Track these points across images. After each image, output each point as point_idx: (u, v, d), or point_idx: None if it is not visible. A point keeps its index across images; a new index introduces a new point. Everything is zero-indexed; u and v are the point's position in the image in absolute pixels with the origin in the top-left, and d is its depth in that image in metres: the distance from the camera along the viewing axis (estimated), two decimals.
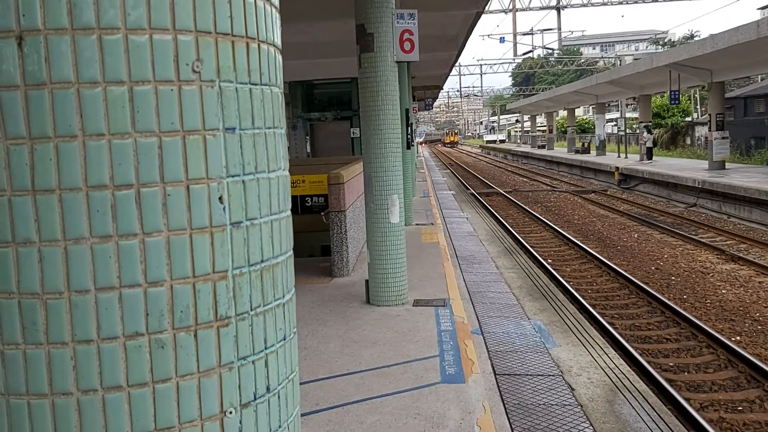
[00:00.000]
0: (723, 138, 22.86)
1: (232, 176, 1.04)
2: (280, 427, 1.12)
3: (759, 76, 37.51)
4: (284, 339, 1.14)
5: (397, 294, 7.20)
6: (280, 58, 1.18)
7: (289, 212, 1.18)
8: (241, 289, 1.05)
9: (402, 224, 7.31)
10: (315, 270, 9.14)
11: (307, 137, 18.59)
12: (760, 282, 10.92)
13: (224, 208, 1.03)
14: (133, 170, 0.96)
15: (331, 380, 5.08)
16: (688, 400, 6.26)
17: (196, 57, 1.00)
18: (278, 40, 1.17)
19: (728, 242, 14.50)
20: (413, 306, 7.14)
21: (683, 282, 11.18)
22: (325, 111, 18.60)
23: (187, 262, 0.99)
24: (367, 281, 7.40)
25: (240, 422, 1.05)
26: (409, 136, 13.62)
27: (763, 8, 53.30)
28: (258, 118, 1.09)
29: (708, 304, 9.81)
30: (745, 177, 19.29)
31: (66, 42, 0.94)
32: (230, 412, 1.04)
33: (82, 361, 0.97)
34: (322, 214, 9.11)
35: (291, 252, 1.19)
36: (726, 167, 22.86)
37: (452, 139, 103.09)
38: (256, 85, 1.08)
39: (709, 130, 23.55)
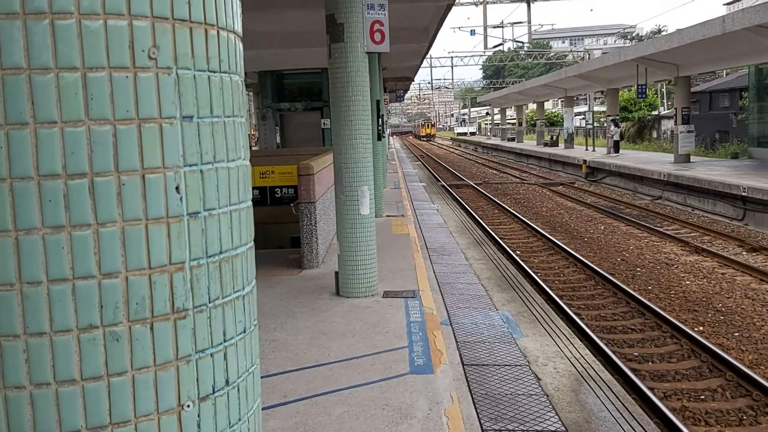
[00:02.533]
0: (688, 132, 23.26)
1: (190, 165, 1.02)
2: (240, 420, 1.10)
3: (724, 71, 38.21)
4: (244, 331, 1.12)
5: (367, 285, 7.20)
6: (240, 45, 1.16)
7: (249, 203, 1.16)
8: (198, 281, 1.03)
9: (372, 216, 7.31)
10: (284, 261, 9.10)
11: (277, 127, 18.45)
12: (722, 273, 11.15)
13: (181, 198, 1.01)
14: (86, 159, 0.94)
15: (300, 372, 5.06)
16: (652, 389, 6.37)
17: (152, 43, 0.98)
18: (238, 28, 1.15)
19: (692, 234, 14.78)
20: (383, 297, 7.15)
21: (648, 273, 11.37)
22: (295, 101, 18.48)
23: (143, 253, 0.97)
24: (336, 273, 7.39)
25: (198, 416, 1.04)
26: (380, 128, 13.60)
27: (728, 4, 54.23)
28: (217, 107, 1.07)
29: (672, 295, 9.99)
30: (710, 170, 19.66)
31: (17, 27, 0.91)
32: (188, 406, 1.02)
33: (34, 354, 0.94)
34: (291, 205, 9.06)
35: (251, 243, 1.17)
36: (691, 160, 23.27)
37: (428, 131, 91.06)
38: (215, 72, 1.06)
39: (675, 124, 23.94)
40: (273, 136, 18.24)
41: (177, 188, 1.00)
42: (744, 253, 12.70)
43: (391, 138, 72.94)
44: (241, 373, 1.11)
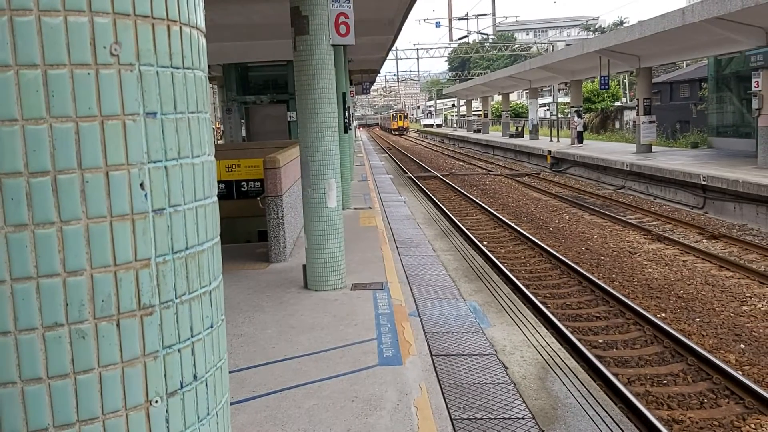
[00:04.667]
0: (650, 122, 23.68)
1: (154, 162, 1.02)
2: (208, 414, 1.11)
3: (684, 62, 38.89)
4: (211, 326, 1.13)
5: (335, 278, 7.21)
6: (203, 41, 1.16)
7: (215, 198, 1.17)
8: (165, 277, 1.03)
9: (340, 208, 7.31)
10: (251, 256, 9.05)
11: (243, 121, 18.29)
12: (683, 261, 11.41)
13: (146, 195, 1.01)
14: (48, 157, 0.93)
15: (269, 366, 5.06)
16: (616, 375, 6.51)
17: (114, 40, 0.97)
18: (201, 23, 1.15)
19: (654, 223, 15.08)
20: (351, 290, 7.17)
21: (612, 261, 11.58)
22: (260, 94, 18.33)
23: (108, 250, 0.97)
24: (304, 266, 7.38)
25: (166, 411, 1.04)
26: (346, 120, 13.58)
27: None
28: (180, 103, 1.07)
29: (635, 283, 10.20)
30: (671, 160, 20.06)
31: None
32: (156, 402, 1.03)
33: None
34: (258, 199, 9.01)
35: (218, 238, 1.17)
36: (653, 150, 23.70)
37: (400, 123, 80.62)
38: (178, 68, 1.06)
39: (637, 115, 24.35)
40: (238, 130, 18.08)
41: (141, 185, 1.00)
42: (704, 240, 13.00)
43: (357, 130, 72.73)
44: (209, 368, 1.12)
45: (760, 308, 8.67)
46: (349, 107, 14.66)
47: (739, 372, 6.48)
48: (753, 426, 5.59)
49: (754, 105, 16.71)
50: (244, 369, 4.98)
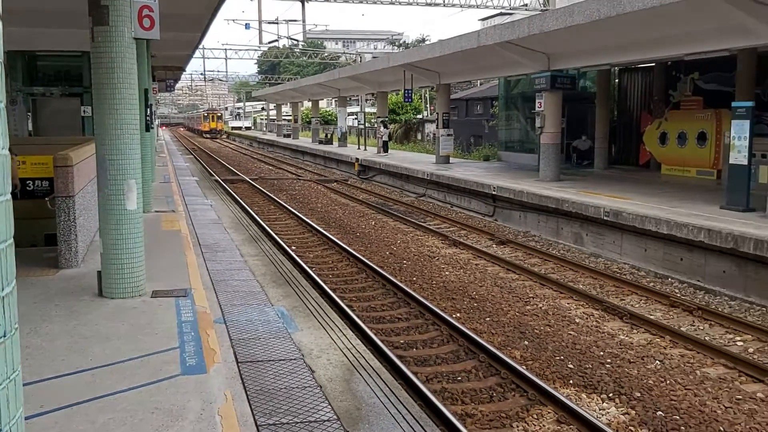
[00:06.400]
0: (448, 135, 25.25)
1: None
2: (1, 429, 1.01)
3: (479, 81, 42.02)
4: (4, 336, 1.03)
5: (134, 285, 6.82)
6: None
7: (8, 196, 1.07)
8: None
9: (140, 211, 6.94)
10: (38, 261, 8.28)
11: (29, 114, 16.67)
12: (476, 264, 12.31)
13: None
14: None
15: (59, 380, 4.66)
16: (416, 374, 6.85)
17: None
18: None
19: (451, 229, 16.12)
20: (152, 297, 6.83)
21: (413, 265, 12.18)
22: (50, 86, 16.81)
23: None
24: (99, 272, 6.90)
25: None
26: (148, 118, 12.91)
27: (483, 20, 59.73)
28: None
29: (434, 285, 10.81)
30: (466, 171, 21.55)
31: None
32: None
33: None
34: (46, 199, 8.26)
35: (11, 240, 1.07)
36: (451, 161, 25.28)
37: (213, 125, 72.33)
38: None
39: (437, 128, 25.86)
40: (24, 123, 16.43)
41: None
42: (494, 245, 14.14)
43: (160, 129, 69.14)
44: (2, 381, 1.02)
45: (540, 307, 9.60)
46: (151, 104, 13.96)
47: (524, 367, 7.12)
48: (535, 416, 6.17)
49: (537, 123, 18.51)
50: (31, 383, 4.53)
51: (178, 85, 58.73)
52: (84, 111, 16.26)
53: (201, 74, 65.54)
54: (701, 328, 8.81)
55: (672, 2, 11.49)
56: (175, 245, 9.60)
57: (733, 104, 12.71)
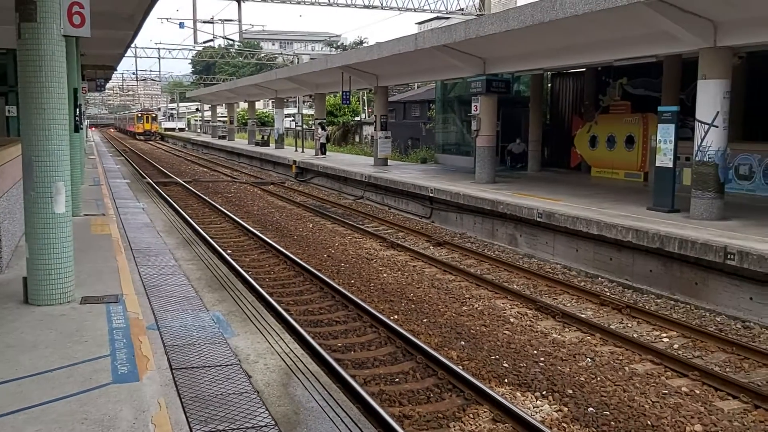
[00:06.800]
0: (386, 137, 25.38)
1: None
2: None
3: (416, 84, 42.39)
4: None
5: (62, 291, 6.58)
6: None
7: None
8: None
9: (69, 214, 6.70)
10: None
11: None
12: (414, 266, 12.40)
13: None
14: None
15: None
16: (354, 376, 6.84)
17: None
18: None
19: (389, 231, 16.19)
20: (81, 304, 6.60)
21: (351, 268, 12.17)
22: None
23: None
24: (25, 278, 6.63)
25: None
26: (77, 118, 12.48)
27: (420, 23, 60.23)
28: None
29: (372, 287, 10.84)
30: (403, 173, 21.69)
31: None
32: None
33: None
34: None
35: None
36: (388, 164, 25.42)
37: (147, 126, 69.93)
38: None
39: (375, 130, 25.96)
40: None
41: None
42: (431, 247, 14.27)
43: (89, 130, 66.89)
44: None
45: (476, 308, 9.75)
46: (80, 104, 13.51)
47: (460, 367, 7.21)
48: (471, 416, 6.26)
49: (473, 126, 18.82)
50: None
51: (108, 85, 57.01)
52: (9, 111, 15.62)
53: (133, 74, 63.76)
54: (629, 325, 9.13)
55: (602, 9, 11.88)
56: (106, 250, 9.32)
57: (660, 109, 13.23)
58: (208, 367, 5.47)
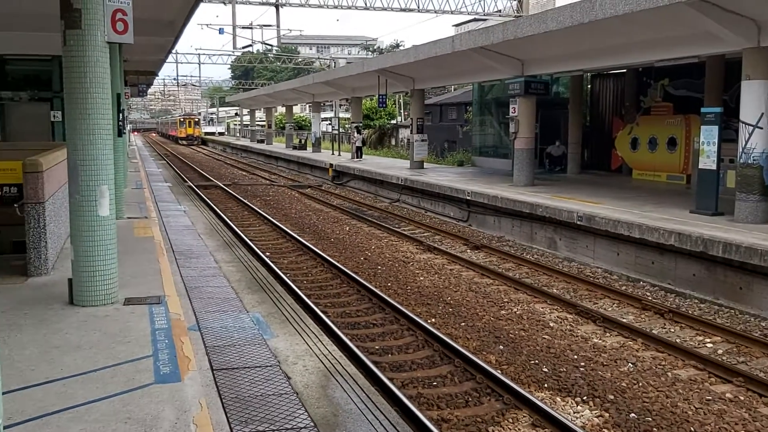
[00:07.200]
0: (422, 140, 25.34)
1: None
2: None
3: (452, 87, 42.23)
4: None
5: (106, 293, 6.71)
6: None
7: None
8: None
9: (112, 217, 6.83)
10: (5, 269, 8.11)
11: None
12: (450, 269, 12.34)
13: None
14: None
15: (27, 390, 4.56)
16: (391, 379, 6.84)
17: None
18: None
19: (425, 234, 16.14)
20: (124, 305, 6.72)
21: (388, 271, 12.17)
22: (19, 90, 16.54)
23: None
24: (70, 280, 6.78)
25: None
26: (120, 123, 12.74)
27: (457, 25, 60.05)
28: None
29: (408, 290, 10.81)
30: (440, 176, 21.62)
31: None
32: None
33: None
34: (15, 206, 8.11)
35: None
36: (425, 167, 25.37)
37: (190, 131, 67.92)
38: None
39: (411, 133, 25.94)
40: None
41: None
42: (468, 250, 14.19)
43: (132, 135, 68.11)
44: None
45: (515, 312, 9.65)
46: (123, 109, 13.80)
47: (499, 371, 7.15)
48: (510, 420, 6.19)
49: (511, 129, 18.66)
50: None
51: (150, 90, 58.07)
52: (54, 116, 16.02)
53: (174, 79, 64.85)
54: (672, 330, 8.94)
55: (643, 9, 11.68)
56: (149, 252, 9.48)
57: (702, 110, 12.95)
58: (248, 368, 5.52)
